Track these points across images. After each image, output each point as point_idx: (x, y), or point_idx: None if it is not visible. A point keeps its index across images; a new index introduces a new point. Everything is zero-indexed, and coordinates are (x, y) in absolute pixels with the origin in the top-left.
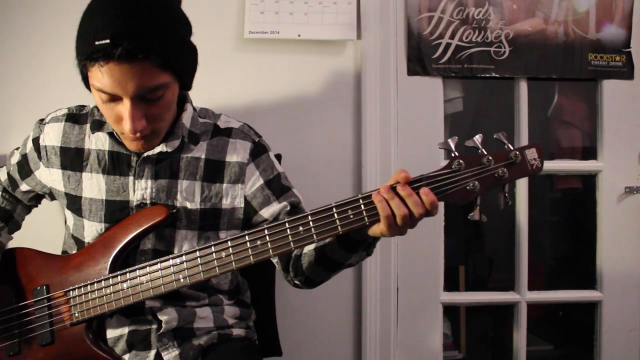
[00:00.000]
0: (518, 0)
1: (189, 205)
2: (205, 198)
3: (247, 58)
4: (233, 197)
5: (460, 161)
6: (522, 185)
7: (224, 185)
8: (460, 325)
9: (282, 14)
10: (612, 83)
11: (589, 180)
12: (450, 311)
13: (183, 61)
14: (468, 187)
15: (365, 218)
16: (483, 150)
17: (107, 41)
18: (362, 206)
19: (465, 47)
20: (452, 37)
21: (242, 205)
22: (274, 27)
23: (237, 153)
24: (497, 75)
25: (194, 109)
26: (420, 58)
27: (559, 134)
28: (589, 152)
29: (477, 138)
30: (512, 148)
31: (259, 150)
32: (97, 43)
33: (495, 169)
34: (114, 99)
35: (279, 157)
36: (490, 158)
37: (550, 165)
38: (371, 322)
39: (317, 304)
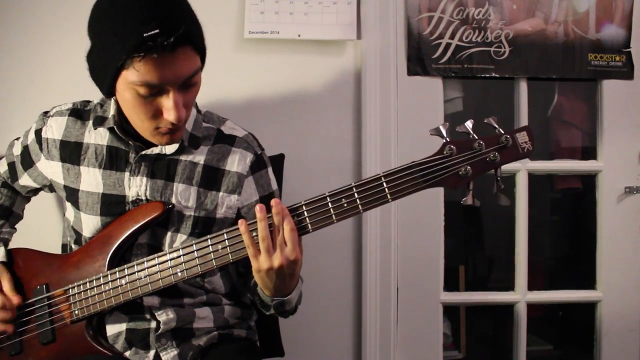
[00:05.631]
0: (518, 0)
1: (183, 210)
2: (201, 205)
3: (247, 58)
4: (228, 207)
5: (452, 147)
6: (522, 185)
7: (220, 193)
8: (460, 325)
9: (282, 14)
10: (612, 83)
11: (588, 180)
12: (450, 311)
13: (204, 43)
14: (460, 172)
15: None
16: (474, 135)
17: (157, 31)
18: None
19: (465, 47)
20: (452, 37)
21: (234, 216)
22: (274, 27)
23: (237, 163)
24: (497, 75)
25: (199, 111)
26: (420, 58)
27: (559, 134)
28: (589, 152)
29: (468, 123)
30: (502, 132)
31: (259, 165)
32: (145, 35)
33: (487, 153)
34: (157, 92)
35: (281, 157)
36: (481, 142)
37: (550, 165)
38: (371, 322)
39: (317, 304)
